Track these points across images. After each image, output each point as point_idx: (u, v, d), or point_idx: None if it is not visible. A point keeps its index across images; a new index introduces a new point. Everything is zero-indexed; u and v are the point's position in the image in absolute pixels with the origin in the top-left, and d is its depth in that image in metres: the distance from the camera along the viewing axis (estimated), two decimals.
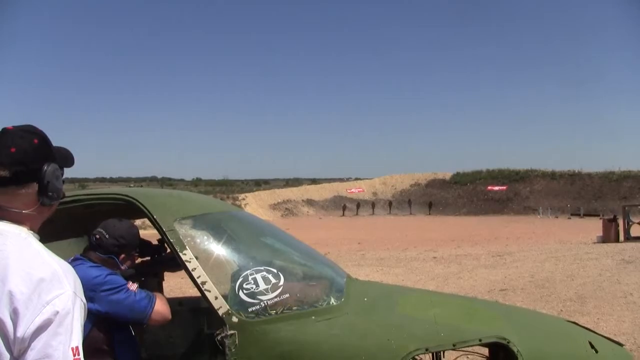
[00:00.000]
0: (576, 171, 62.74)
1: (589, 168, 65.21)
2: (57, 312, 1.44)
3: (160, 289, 3.35)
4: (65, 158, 1.81)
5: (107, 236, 2.88)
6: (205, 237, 3.13)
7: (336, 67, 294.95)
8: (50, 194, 1.66)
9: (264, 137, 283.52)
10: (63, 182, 1.75)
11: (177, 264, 3.29)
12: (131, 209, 3.10)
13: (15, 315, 1.41)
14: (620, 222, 23.16)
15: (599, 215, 38.44)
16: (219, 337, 2.66)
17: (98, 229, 2.91)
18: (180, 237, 2.90)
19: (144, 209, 3.00)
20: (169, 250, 3.19)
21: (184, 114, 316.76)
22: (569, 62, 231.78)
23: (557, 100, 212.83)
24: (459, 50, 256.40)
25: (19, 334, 1.40)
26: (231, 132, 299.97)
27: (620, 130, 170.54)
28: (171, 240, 2.87)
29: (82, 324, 1.54)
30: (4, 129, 1.66)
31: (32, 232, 1.65)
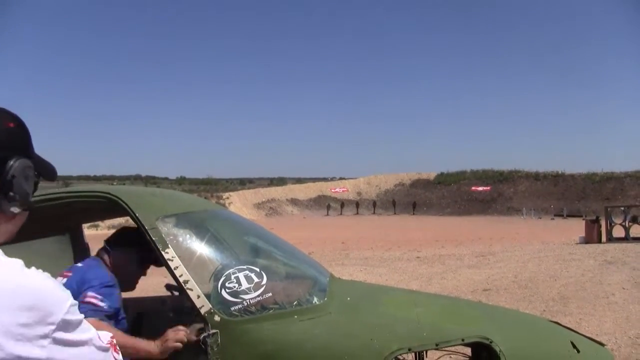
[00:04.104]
0: (559, 172, 63.26)
1: (572, 169, 65.87)
2: None
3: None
4: (46, 168, 1.40)
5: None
6: (188, 236, 3.11)
7: (321, 68, 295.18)
8: (11, 194, 1.22)
9: (248, 136, 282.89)
10: (35, 188, 1.34)
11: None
12: (113, 207, 3.07)
13: None
14: (603, 223, 23.34)
15: (582, 216, 38.72)
16: (201, 337, 2.65)
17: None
18: (163, 235, 2.87)
19: (127, 207, 2.97)
20: None
21: (168, 112, 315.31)
22: (553, 64, 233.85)
23: (542, 101, 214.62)
24: (443, 52, 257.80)
25: None
26: (216, 130, 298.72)
27: (603, 132, 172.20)
28: (153, 238, 2.84)
29: None
30: None
31: None
